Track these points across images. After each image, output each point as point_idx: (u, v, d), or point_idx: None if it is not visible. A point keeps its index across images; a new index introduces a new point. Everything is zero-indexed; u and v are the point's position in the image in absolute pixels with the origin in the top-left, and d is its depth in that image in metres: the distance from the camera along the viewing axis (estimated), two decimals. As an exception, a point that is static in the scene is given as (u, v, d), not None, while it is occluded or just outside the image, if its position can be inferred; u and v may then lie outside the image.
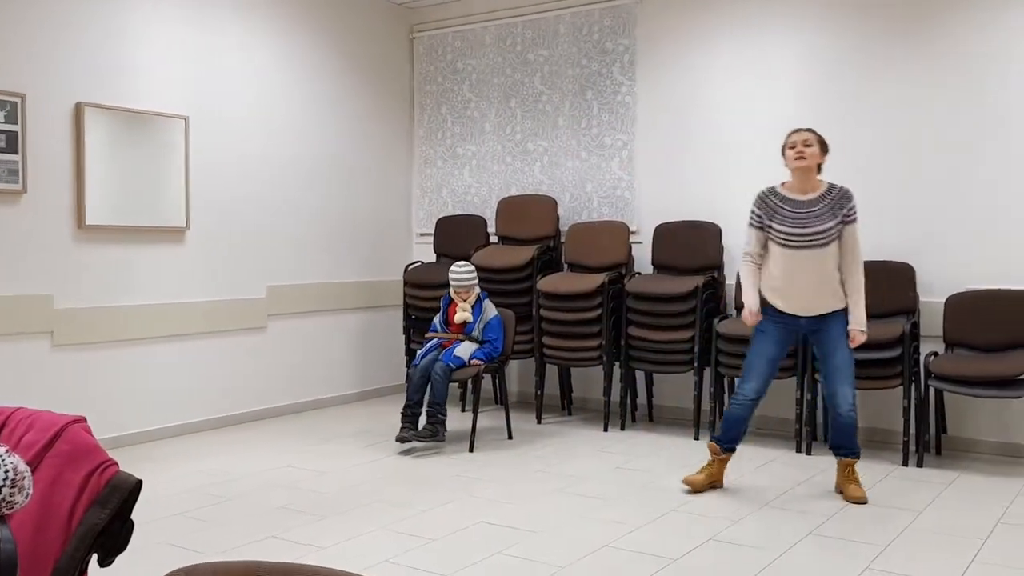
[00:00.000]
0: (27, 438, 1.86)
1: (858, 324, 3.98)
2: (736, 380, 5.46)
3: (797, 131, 4.04)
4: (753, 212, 4.10)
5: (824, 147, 4.03)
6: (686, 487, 4.18)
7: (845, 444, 4.10)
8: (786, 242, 3.97)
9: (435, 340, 5.15)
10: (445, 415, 4.95)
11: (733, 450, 4.17)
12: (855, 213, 3.99)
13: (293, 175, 6.03)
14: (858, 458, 4.11)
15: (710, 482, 4.17)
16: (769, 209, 4.05)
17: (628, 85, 5.95)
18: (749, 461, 4.74)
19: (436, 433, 4.89)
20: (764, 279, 4.08)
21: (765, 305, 4.07)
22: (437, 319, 5.28)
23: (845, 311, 4.02)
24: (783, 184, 4.09)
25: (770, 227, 4.03)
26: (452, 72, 6.71)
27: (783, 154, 4.04)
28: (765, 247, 4.10)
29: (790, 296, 4.00)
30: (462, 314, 5.12)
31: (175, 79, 5.28)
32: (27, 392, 4.60)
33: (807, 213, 3.96)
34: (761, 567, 3.19)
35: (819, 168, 4.04)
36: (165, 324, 5.24)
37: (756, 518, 3.76)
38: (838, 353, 4.01)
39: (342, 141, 6.39)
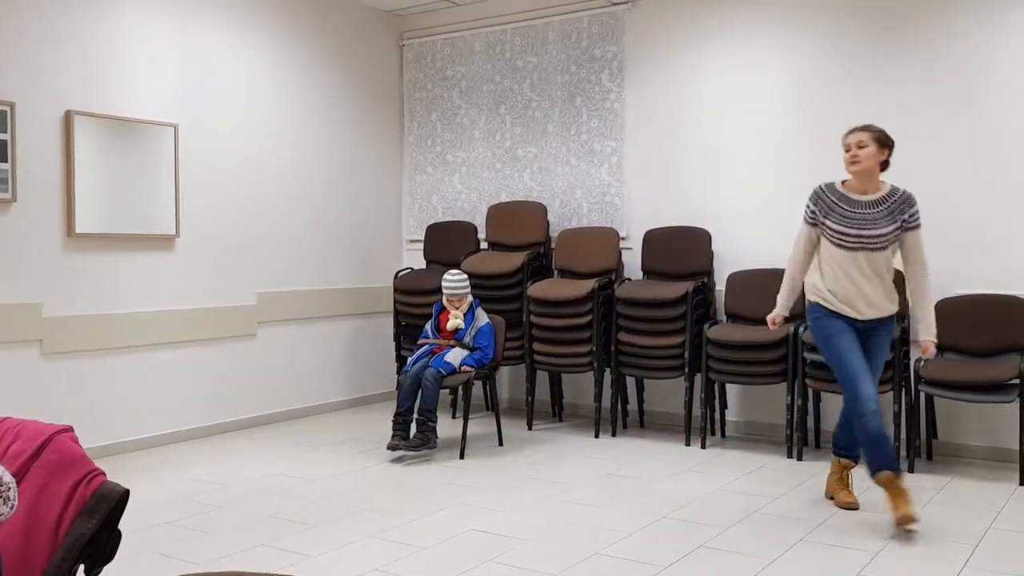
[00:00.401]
0: (14, 448, 1.85)
1: (930, 334, 3.80)
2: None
3: (851, 131, 3.82)
4: (808, 207, 3.91)
5: (883, 143, 3.78)
6: (907, 525, 3.61)
7: (849, 447, 4.02)
8: (841, 242, 3.80)
9: (426, 347, 5.15)
10: (435, 422, 4.94)
11: (900, 469, 3.69)
12: (918, 218, 3.79)
13: (283, 182, 6.03)
14: (856, 463, 4.06)
15: (908, 502, 3.64)
16: (825, 206, 3.85)
17: (617, 92, 5.96)
18: (740, 467, 4.74)
19: (427, 441, 4.89)
20: (817, 278, 3.90)
21: (819, 306, 3.89)
22: (429, 326, 5.27)
23: (893, 317, 3.89)
24: (843, 182, 3.89)
25: (824, 224, 3.85)
26: (442, 79, 6.71)
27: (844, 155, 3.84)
28: (815, 247, 3.93)
29: (845, 298, 3.81)
30: (454, 321, 5.12)
31: (164, 87, 5.27)
32: (16, 401, 4.58)
33: (865, 215, 3.78)
34: (752, 574, 3.19)
35: (885, 166, 3.83)
36: (155, 332, 5.22)
37: (747, 524, 3.76)
38: (878, 358, 3.89)
39: (332, 148, 6.38)
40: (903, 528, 3.62)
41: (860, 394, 3.68)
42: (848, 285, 3.80)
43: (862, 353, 3.80)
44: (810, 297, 3.94)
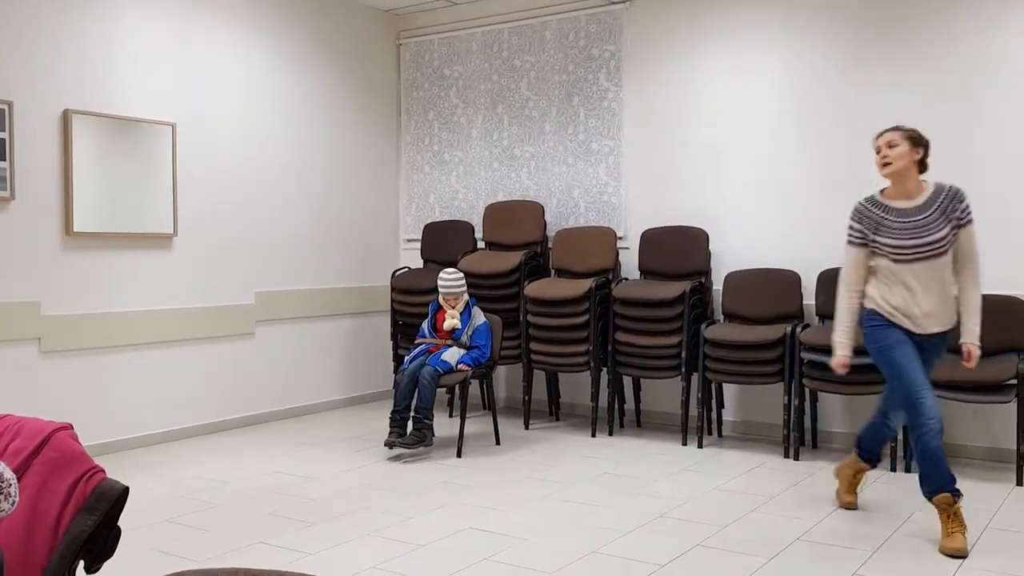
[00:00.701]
0: (14, 445, 1.85)
1: (973, 338, 3.56)
2: (719, 386, 5.48)
3: (881, 133, 3.60)
4: (852, 228, 3.63)
5: (916, 142, 3.54)
6: (957, 554, 3.36)
7: (871, 450, 3.84)
8: (898, 256, 3.52)
9: (423, 346, 5.15)
10: (432, 420, 4.95)
11: (959, 492, 3.46)
12: (970, 214, 3.53)
13: (280, 181, 6.03)
14: (872, 468, 3.87)
15: (963, 533, 3.43)
16: (872, 222, 3.58)
17: (614, 91, 5.97)
18: (737, 466, 4.75)
19: (423, 439, 4.89)
20: (873, 288, 3.62)
21: (877, 315, 3.62)
22: (425, 325, 5.28)
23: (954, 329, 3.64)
24: (882, 192, 3.63)
25: (875, 242, 3.57)
26: (439, 78, 6.72)
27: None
28: (869, 268, 3.63)
29: (906, 311, 3.54)
30: (451, 321, 5.12)
31: (162, 86, 5.27)
32: (14, 399, 4.58)
33: (916, 222, 3.51)
34: (749, 573, 3.20)
35: (922, 166, 3.58)
36: (153, 330, 5.22)
37: (744, 524, 3.77)
38: (931, 371, 3.66)
39: (330, 147, 6.39)
40: (949, 556, 3.37)
41: (924, 410, 3.43)
42: (908, 297, 3.54)
43: (922, 364, 3.55)
44: (867, 304, 3.66)
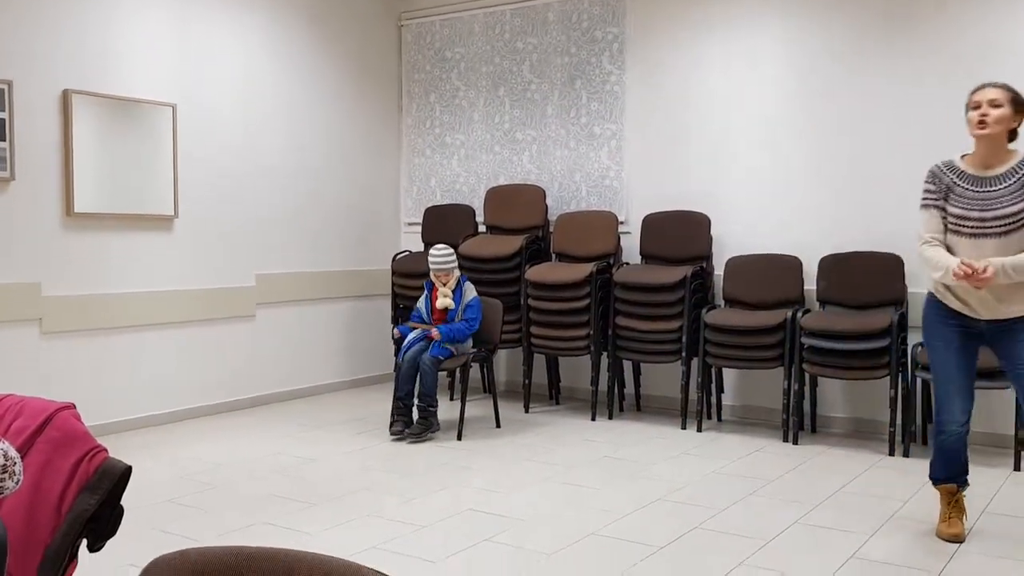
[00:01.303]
0: (17, 424, 1.86)
1: (999, 264, 3.12)
2: (717, 370, 5.49)
3: (982, 87, 3.21)
4: (926, 190, 3.31)
5: (1020, 106, 3.18)
6: (953, 539, 3.35)
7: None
8: (959, 228, 3.21)
9: (420, 332, 5.12)
10: (436, 406, 4.97)
11: (966, 483, 3.42)
12: None
13: (281, 163, 6.02)
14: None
15: (962, 520, 3.40)
16: (944, 187, 3.26)
17: (617, 74, 5.95)
18: (736, 450, 4.77)
19: (430, 426, 4.94)
20: (937, 278, 3.28)
21: (934, 301, 3.34)
22: (421, 302, 5.25)
23: None
24: (963, 156, 3.31)
25: (944, 210, 3.26)
26: (440, 60, 6.69)
27: (965, 114, 3.25)
28: (945, 234, 3.28)
29: (968, 295, 3.22)
30: (443, 300, 5.10)
31: (162, 67, 5.25)
32: (15, 379, 4.59)
33: (989, 193, 3.18)
34: (747, 555, 3.22)
35: (1013, 135, 3.22)
36: (154, 312, 5.23)
37: (742, 507, 3.79)
38: (1015, 361, 3.22)
39: (331, 130, 6.37)
40: (946, 541, 3.36)
41: (943, 417, 3.30)
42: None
43: (971, 365, 3.28)
44: (929, 287, 3.38)
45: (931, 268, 3.26)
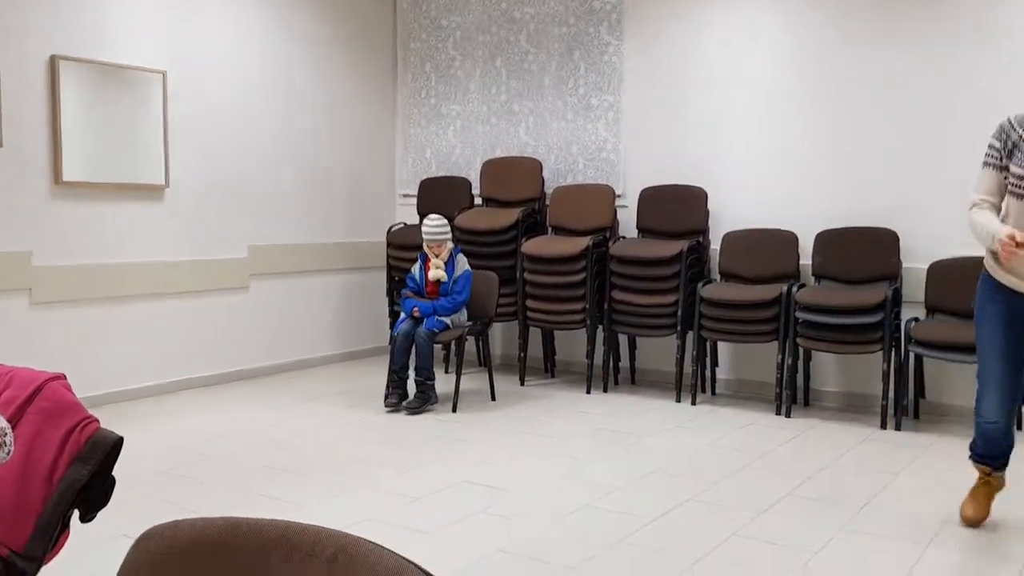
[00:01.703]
0: (6, 394, 1.84)
1: None
2: (714, 344, 5.49)
3: None
4: (989, 146, 3.00)
5: None
6: (966, 522, 3.26)
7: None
8: (1017, 189, 2.92)
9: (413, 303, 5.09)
10: (433, 380, 4.97)
11: (1003, 467, 3.24)
12: None
13: (274, 133, 5.96)
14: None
15: (988, 505, 3.27)
16: (1012, 144, 2.94)
17: (615, 45, 5.89)
18: (729, 423, 4.78)
19: (427, 400, 4.95)
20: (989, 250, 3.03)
21: (987, 277, 3.10)
22: (415, 268, 5.21)
23: None
24: None
25: (1006, 169, 2.96)
26: (436, 29, 6.61)
27: None
28: (1001, 195, 2.98)
29: (1014, 267, 2.95)
30: (435, 271, 5.08)
31: (152, 33, 5.18)
32: (5, 350, 4.56)
33: None
34: (739, 527, 3.23)
35: None
36: (145, 283, 5.19)
37: (735, 479, 3.80)
38: None
39: (325, 99, 6.30)
40: (963, 523, 3.27)
41: (980, 406, 3.12)
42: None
43: (1016, 355, 3.03)
44: (985, 262, 3.13)
45: (976, 236, 2.99)
